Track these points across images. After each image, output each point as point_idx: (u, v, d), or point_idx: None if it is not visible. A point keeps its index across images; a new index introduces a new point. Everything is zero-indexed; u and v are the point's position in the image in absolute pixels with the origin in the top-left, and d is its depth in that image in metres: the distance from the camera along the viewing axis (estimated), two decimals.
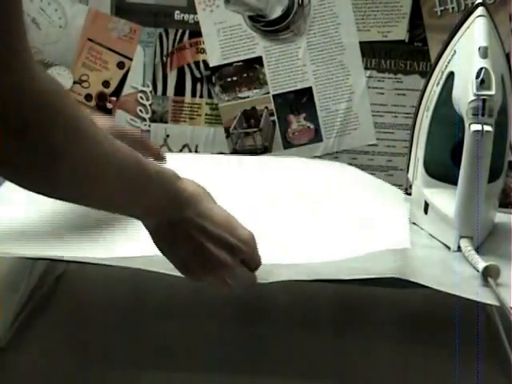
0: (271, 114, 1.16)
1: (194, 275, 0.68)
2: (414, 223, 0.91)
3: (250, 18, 1.13)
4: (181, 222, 0.65)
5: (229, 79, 1.15)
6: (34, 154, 0.50)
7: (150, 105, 1.16)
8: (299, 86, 1.15)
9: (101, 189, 0.58)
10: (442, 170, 0.89)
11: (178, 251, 0.66)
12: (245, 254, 0.68)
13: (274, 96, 1.15)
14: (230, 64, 1.15)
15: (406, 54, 1.13)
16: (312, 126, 1.16)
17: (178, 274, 0.69)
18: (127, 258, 0.75)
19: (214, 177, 0.96)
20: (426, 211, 0.90)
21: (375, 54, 1.14)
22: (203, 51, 1.15)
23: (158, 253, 0.68)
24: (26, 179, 0.53)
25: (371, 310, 0.90)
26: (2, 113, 0.47)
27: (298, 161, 1.09)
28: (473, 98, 0.80)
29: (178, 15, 1.14)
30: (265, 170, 1.03)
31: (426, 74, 0.94)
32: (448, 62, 0.87)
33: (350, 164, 1.12)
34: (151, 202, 0.63)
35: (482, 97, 0.80)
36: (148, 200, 0.63)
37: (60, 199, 0.59)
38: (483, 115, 0.80)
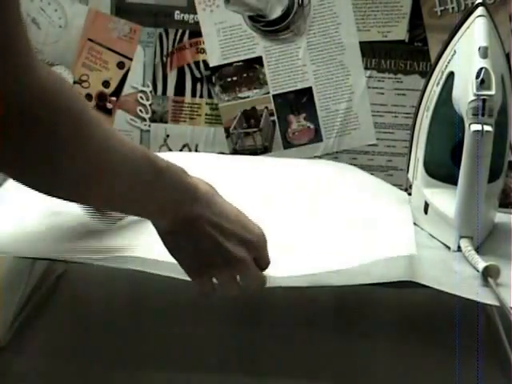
0: (271, 114, 1.16)
1: (205, 275, 0.66)
2: (414, 223, 0.90)
3: (250, 18, 1.13)
4: (194, 218, 0.63)
5: (229, 79, 1.15)
6: (39, 153, 0.50)
7: (150, 105, 1.16)
8: (299, 86, 1.15)
9: (110, 187, 0.57)
10: (442, 170, 0.89)
11: (190, 250, 0.65)
12: (258, 249, 0.67)
13: (274, 96, 1.15)
14: (230, 64, 1.15)
15: (406, 54, 1.13)
16: (312, 126, 1.16)
17: (177, 276, 0.69)
18: (126, 258, 0.75)
19: (212, 176, 0.96)
20: (426, 211, 0.90)
21: (375, 53, 1.13)
22: (203, 51, 1.15)
23: (159, 255, 0.68)
24: (31, 178, 0.53)
25: (371, 310, 0.90)
26: (5, 111, 0.47)
27: (297, 161, 1.09)
28: (473, 98, 0.80)
29: (177, 15, 1.14)
30: (263, 170, 1.03)
31: (426, 74, 0.94)
32: (448, 62, 0.87)
33: (350, 164, 1.12)
34: (164, 199, 0.62)
35: (482, 97, 0.80)
36: (160, 197, 0.62)
37: (67, 199, 0.58)
38: (483, 115, 0.80)
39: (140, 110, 1.16)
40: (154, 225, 0.65)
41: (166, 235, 0.65)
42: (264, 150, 1.16)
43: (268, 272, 0.70)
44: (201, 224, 0.64)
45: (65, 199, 0.58)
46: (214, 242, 0.64)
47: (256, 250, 0.67)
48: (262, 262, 0.69)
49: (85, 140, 0.53)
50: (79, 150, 0.53)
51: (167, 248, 0.66)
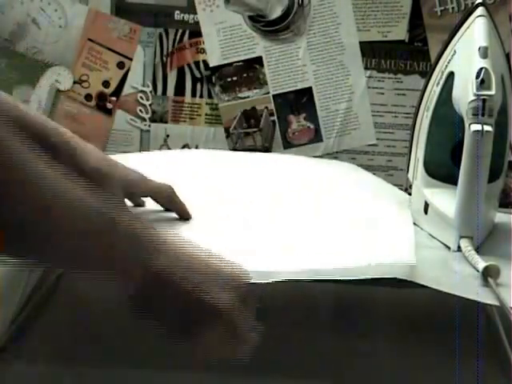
0: (271, 114, 1.16)
1: (196, 336, 0.61)
2: (414, 223, 0.90)
3: (250, 18, 1.13)
4: (164, 275, 0.57)
5: (229, 79, 1.15)
6: None
7: (150, 105, 1.16)
8: (299, 86, 1.15)
9: (60, 235, 0.51)
10: (442, 170, 0.89)
11: (168, 312, 0.59)
12: (242, 288, 0.62)
13: (274, 96, 1.16)
14: (230, 64, 1.15)
15: (405, 54, 1.13)
16: (312, 126, 1.16)
17: None
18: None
19: (215, 173, 0.96)
20: (426, 211, 0.89)
21: (375, 53, 1.14)
22: (203, 51, 1.15)
23: None
24: None
25: (371, 310, 0.90)
26: None
27: (299, 159, 1.09)
28: (473, 98, 0.80)
29: (178, 15, 1.14)
30: (266, 168, 1.03)
31: (426, 74, 0.94)
32: (448, 62, 0.87)
33: None
34: (123, 254, 0.56)
35: (482, 97, 0.80)
36: (119, 251, 0.55)
37: (14, 256, 0.52)
38: (483, 115, 0.79)
39: (140, 110, 1.17)
40: (124, 291, 0.59)
41: (136, 301, 0.58)
42: (264, 150, 1.16)
43: (268, 268, 0.70)
44: (172, 281, 0.57)
45: (12, 256, 0.52)
46: (193, 297, 0.58)
47: (240, 289, 0.61)
48: (251, 301, 0.62)
49: (25, 181, 0.49)
50: (16, 193, 0.48)
51: (144, 316, 0.59)
